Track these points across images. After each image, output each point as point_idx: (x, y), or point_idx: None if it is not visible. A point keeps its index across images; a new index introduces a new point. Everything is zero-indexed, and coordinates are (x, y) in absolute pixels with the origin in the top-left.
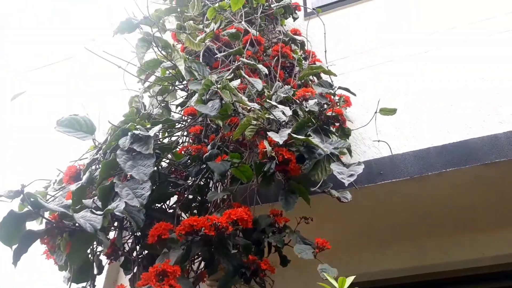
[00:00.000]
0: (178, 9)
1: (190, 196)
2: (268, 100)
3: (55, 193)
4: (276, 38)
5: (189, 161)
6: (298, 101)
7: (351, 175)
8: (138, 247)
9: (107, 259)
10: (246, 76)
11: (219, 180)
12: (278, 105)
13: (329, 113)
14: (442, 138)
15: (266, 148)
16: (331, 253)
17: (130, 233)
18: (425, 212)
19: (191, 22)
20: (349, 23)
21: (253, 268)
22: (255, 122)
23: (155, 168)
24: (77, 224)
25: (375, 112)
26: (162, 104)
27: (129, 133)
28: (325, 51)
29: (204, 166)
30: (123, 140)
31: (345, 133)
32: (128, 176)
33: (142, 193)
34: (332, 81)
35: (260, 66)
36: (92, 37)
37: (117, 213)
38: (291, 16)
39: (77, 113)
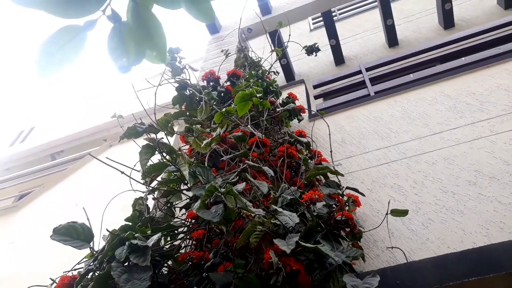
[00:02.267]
0: (187, 113)
1: None
2: (273, 206)
3: None
4: (282, 138)
5: (190, 268)
6: (305, 204)
7: None
8: None
9: None
10: (252, 179)
11: None
12: (284, 211)
13: (338, 217)
14: (459, 242)
15: (272, 259)
16: None
17: None
18: None
19: (199, 126)
20: (353, 124)
21: None
22: (260, 228)
23: (154, 276)
24: None
25: (386, 214)
26: (166, 207)
27: (127, 243)
28: (331, 151)
29: (206, 275)
30: (120, 251)
31: (356, 238)
32: None
33: None
34: (339, 181)
35: (265, 168)
36: (103, 138)
37: None
38: (296, 118)
39: (75, 220)
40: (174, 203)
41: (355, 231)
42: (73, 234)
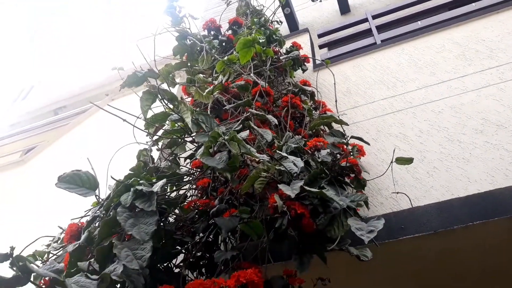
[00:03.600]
0: (188, 64)
1: (198, 254)
2: (278, 151)
3: (56, 252)
4: (285, 89)
5: (196, 216)
6: (309, 152)
7: (371, 231)
8: None
9: None
10: (255, 127)
11: (227, 237)
12: (289, 156)
13: (343, 164)
14: (463, 189)
15: (277, 203)
16: None
17: None
18: (453, 270)
19: (201, 75)
20: (358, 74)
21: None
22: (264, 174)
23: (161, 224)
24: None
25: (391, 162)
26: (171, 157)
27: (132, 189)
28: (336, 101)
29: (212, 221)
30: (125, 197)
31: (360, 184)
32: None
33: (142, 255)
34: (344, 131)
35: (269, 116)
36: (105, 93)
37: (114, 278)
38: (300, 68)
39: (79, 169)
40: (178, 154)
41: (359, 177)
42: (78, 181)
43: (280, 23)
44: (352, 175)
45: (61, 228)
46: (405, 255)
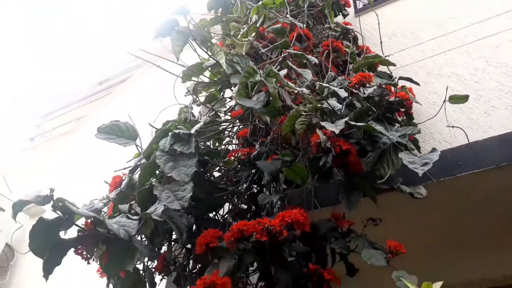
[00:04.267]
0: (224, 19)
1: (244, 206)
2: (321, 84)
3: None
4: (326, 34)
5: (239, 166)
6: (354, 89)
7: (425, 164)
8: (190, 262)
9: (159, 274)
10: (294, 67)
11: (270, 181)
12: (332, 87)
13: (392, 99)
14: None
15: (320, 139)
16: (406, 260)
17: (181, 246)
18: None
19: (234, 23)
20: (403, 15)
21: (315, 279)
22: (306, 113)
23: (206, 175)
24: (111, 232)
25: (444, 101)
26: (211, 113)
27: (170, 134)
28: (381, 42)
29: (255, 170)
30: (164, 141)
31: (412, 121)
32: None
33: (183, 195)
34: (391, 73)
35: (309, 56)
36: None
37: (155, 218)
38: (340, 13)
39: (118, 120)
40: (218, 110)
41: (410, 112)
42: (117, 132)
43: None
44: (403, 110)
45: (106, 182)
46: (463, 194)
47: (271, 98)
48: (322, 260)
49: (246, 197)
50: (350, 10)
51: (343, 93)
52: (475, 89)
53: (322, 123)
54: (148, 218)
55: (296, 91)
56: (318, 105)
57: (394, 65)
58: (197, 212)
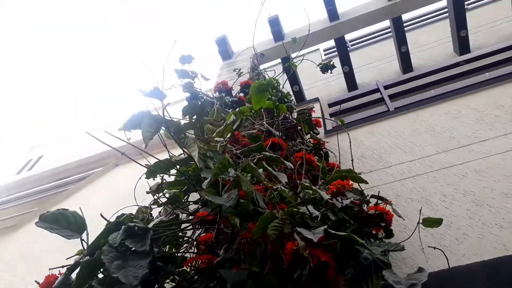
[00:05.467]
0: (198, 125)
1: None
2: (302, 183)
3: None
4: (298, 149)
5: (195, 277)
6: (330, 200)
7: (413, 285)
8: None
9: None
10: (270, 169)
11: None
12: (314, 189)
13: (371, 212)
14: None
15: (294, 249)
16: None
17: None
18: None
19: (210, 125)
20: (372, 139)
21: None
22: (280, 217)
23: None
24: None
25: (418, 223)
26: (172, 216)
27: (123, 227)
28: (352, 160)
29: (215, 282)
30: (114, 235)
31: (391, 235)
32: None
33: None
34: (362, 190)
35: (285, 162)
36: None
37: None
38: (311, 132)
39: (66, 208)
40: (180, 212)
41: (389, 227)
42: (62, 222)
43: (290, 96)
44: (383, 225)
45: (37, 283)
46: None
47: (242, 201)
48: None
49: None
50: (321, 130)
51: (325, 195)
52: (445, 215)
53: (299, 229)
54: None
55: (274, 188)
56: (295, 209)
57: (366, 182)
58: None
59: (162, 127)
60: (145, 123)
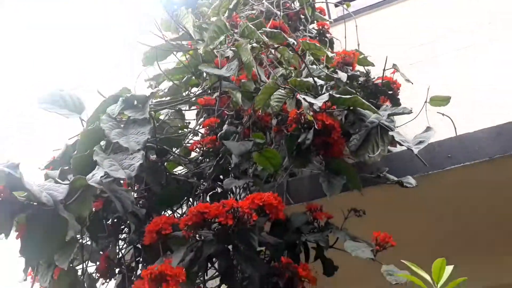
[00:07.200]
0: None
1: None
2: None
3: None
4: (301, 36)
5: (201, 157)
6: (337, 66)
7: (420, 142)
8: (139, 265)
9: (100, 277)
10: (266, 39)
11: (239, 164)
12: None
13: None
14: None
15: (301, 110)
16: (394, 256)
17: (128, 243)
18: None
19: (205, 8)
20: (376, 26)
21: (287, 276)
22: (284, 87)
23: (163, 164)
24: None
25: (425, 102)
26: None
27: (121, 98)
28: (358, 44)
29: (220, 160)
30: (113, 107)
31: (398, 104)
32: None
33: (130, 164)
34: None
35: (288, 38)
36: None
37: (92, 184)
38: (316, 21)
39: (62, 88)
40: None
41: (396, 96)
42: (60, 102)
43: None
44: (390, 92)
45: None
46: (453, 188)
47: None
48: (294, 257)
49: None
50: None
51: (331, 53)
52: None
53: (302, 96)
54: (83, 186)
55: (275, 47)
56: (298, 79)
57: (373, 64)
58: (150, 206)
59: None
60: None
